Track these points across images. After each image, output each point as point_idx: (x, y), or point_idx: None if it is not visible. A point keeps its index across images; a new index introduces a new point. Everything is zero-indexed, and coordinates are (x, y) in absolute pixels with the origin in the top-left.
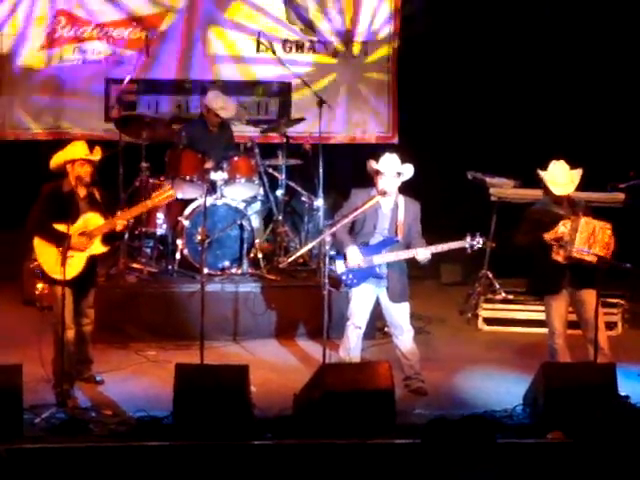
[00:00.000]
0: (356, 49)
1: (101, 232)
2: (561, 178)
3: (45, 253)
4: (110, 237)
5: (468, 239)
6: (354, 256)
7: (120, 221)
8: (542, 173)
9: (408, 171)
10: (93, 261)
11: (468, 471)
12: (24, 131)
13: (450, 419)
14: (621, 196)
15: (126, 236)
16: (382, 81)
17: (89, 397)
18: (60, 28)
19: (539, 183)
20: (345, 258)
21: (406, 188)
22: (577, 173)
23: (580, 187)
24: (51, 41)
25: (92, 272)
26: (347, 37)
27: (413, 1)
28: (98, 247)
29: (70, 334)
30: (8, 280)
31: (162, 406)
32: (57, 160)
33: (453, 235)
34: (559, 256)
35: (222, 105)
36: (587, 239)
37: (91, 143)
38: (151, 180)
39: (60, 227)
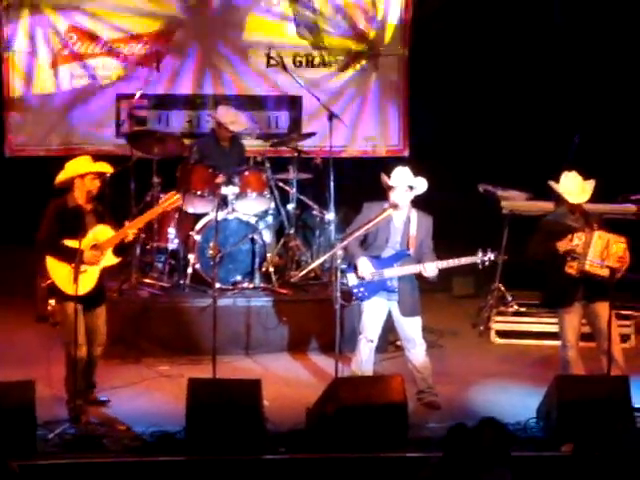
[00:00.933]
0: (366, 60)
1: (112, 244)
2: (575, 187)
3: (58, 271)
4: (121, 248)
5: (480, 254)
6: (365, 267)
7: (131, 230)
8: (555, 185)
9: (421, 185)
10: (104, 276)
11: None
12: (36, 147)
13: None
14: (633, 208)
15: (138, 251)
16: (392, 94)
17: (101, 413)
18: (72, 44)
19: (551, 195)
20: (356, 270)
21: (417, 201)
22: (590, 184)
23: (592, 199)
24: (62, 57)
25: (102, 288)
26: (356, 50)
27: (425, 8)
28: (110, 259)
29: (83, 351)
30: (21, 297)
31: (175, 421)
32: (64, 176)
33: (464, 248)
34: (572, 269)
35: (232, 119)
36: (601, 252)
37: (102, 159)
38: (162, 195)
39: (71, 243)
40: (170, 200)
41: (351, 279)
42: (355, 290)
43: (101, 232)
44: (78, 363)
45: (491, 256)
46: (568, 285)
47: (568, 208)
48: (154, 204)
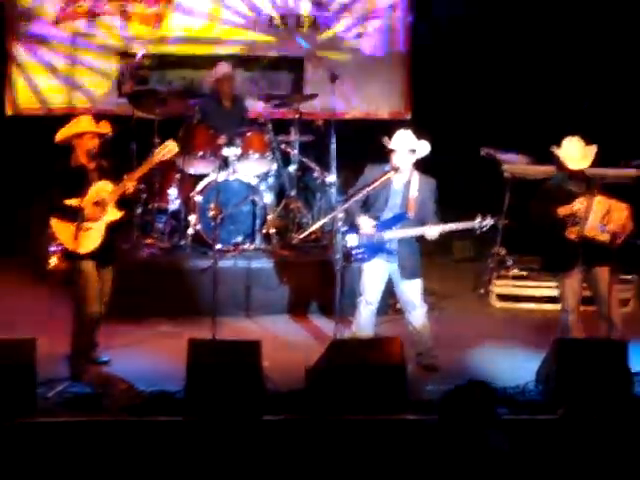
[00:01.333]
0: (365, 17)
1: (113, 198)
2: (577, 153)
3: (64, 231)
4: (123, 202)
5: (478, 220)
6: (366, 225)
7: (130, 182)
8: (556, 150)
9: (424, 148)
10: (112, 232)
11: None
12: (38, 107)
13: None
14: (634, 173)
15: (139, 211)
16: (396, 56)
17: (102, 372)
18: (74, 2)
19: (553, 160)
20: (357, 230)
21: (419, 164)
22: (591, 149)
23: (593, 164)
24: (65, 15)
25: (112, 246)
26: (361, 11)
27: None
28: (114, 213)
29: (94, 309)
30: (21, 257)
31: (174, 381)
32: (63, 135)
33: (466, 212)
34: (573, 234)
35: (224, 72)
36: (601, 218)
37: (103, 118)
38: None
39: (73, 202)
40: (165, 149)
41: (351, 240)
42: (354, 251)
43: (102, 188)
44: (90, 321)
45: (490, 222)
46: (569, 250)
47: (568, 173)
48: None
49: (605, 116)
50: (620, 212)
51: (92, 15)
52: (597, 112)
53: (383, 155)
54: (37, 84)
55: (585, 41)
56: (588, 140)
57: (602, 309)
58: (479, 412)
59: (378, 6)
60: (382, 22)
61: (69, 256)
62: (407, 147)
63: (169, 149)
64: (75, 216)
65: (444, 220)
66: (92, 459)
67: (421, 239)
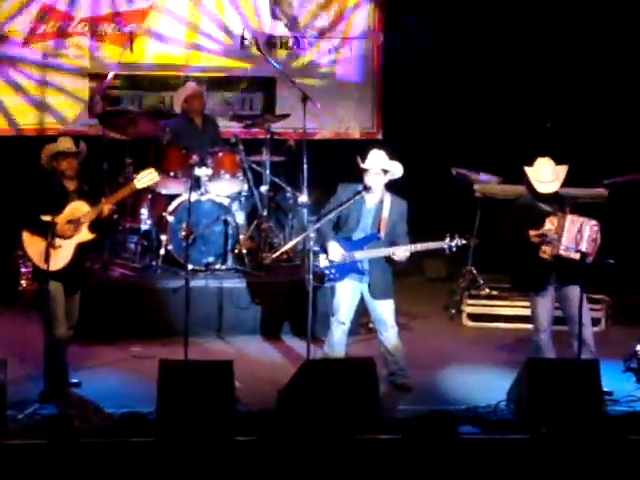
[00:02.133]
0: (340, 43)
1: (88, 219)
2: (546, 175)
3: (34, 246)
4: (98, 224)
5: (447, 240)
6: (334, 250)
7: (106, 206)
8: (527, 169)
9: (396, 169)
10: (82, 253)
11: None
12: (8, 128)
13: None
14: (604, 192)
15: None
16: (367, 76)
17: (73, 394)
18: (44, 23)
19: (523, 179)
20: (327, 252)
21: (390, 184)
22: (563, 169)
23: (564, 183)
24: (36, 35)
25: (81, 269)
26: (330, 32)
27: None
28: (85, 234)
29: (63, 330)
30: None
31: (146, 402)
32: (42, 155)
33: (437, 232)
34: (545, 254)
35: (193, 89)
36: (574, 237)
37: (75, 138)
38: (135, 175)
39: (46, 217)
40: (146, 177)
41: (322, 261)
42: (326, 271)
43: (78, 208)
44: (59, 342)
45: (459, 242)
46: (540, 269)
47: (537, 196)
48: (128, 184)
49: (574, 136)
50: (591, 228)
51: (63, 36)
52: (564, 133)
53: (355, 175)
54: (6, 105)
55: (554, 59)
56: (558, 160)
57: (573, 328)
58: (440, 440)
59: (354, 31)
60: (357, 47)
61: (38, 276)
62: (380, 167)
63: (151, 178)
64: (46, 231)
65: (414, 240)
66: None
67: (391, 259)
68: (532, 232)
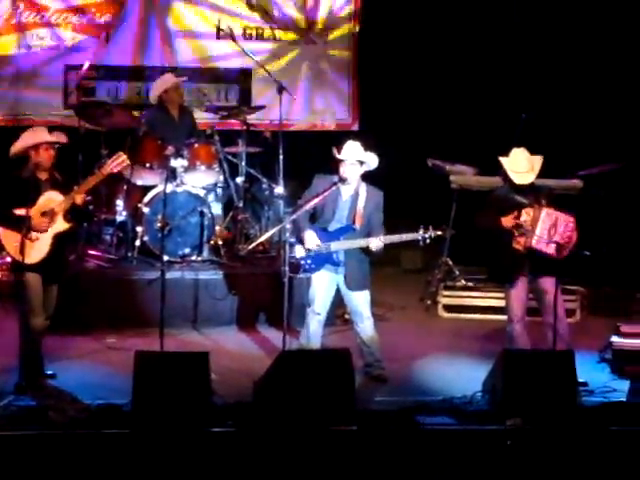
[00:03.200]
0: (316, 33)
1: (62, 209)
2: (522, 166)
3: (10, 240)
4: (73, 213)
5: (421, 232)
6: (311, 239)
7: (79, 194)
8: (503, 160)
9: (372, 160)
10: (60, 244)
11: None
12: None
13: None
14: (579, 184)
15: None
16: (343, 67)
17: (48, 385)
18: (19, 14)
19: (499, 171)
20: (303, 242)
21: (366, 175)
22: (538, 160)
23: (539, 174)
24: (9, 27)
25: (59, 261)
26: (307, 20)
27: None
28: (61, 224)
29: (39, 321)
30: None
31: (121, 394)
32: (18, 147)
33: (413, 223)
34: (519, 245)
35: (173, 81)
36: (548, 229)
37: (51, 129)
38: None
39: (20, 211)
40: (117, 161)
41: (298, 251)
42: (302, 262)
43: (51, 198)
44: (35, 333)
45: (432, 233)
46: (515, 260)
47: (513, 187)
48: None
49: (550, 127)
50: (567, 224)
51: (38, 26)
52: (539, 124)
53: (331, 166)
54: None
55: (531, 48)
56: (534, 151)
57: (548, 319)
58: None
59: (329, 21)
60: (333, 36)
61: (15, 268)
62: (355, 158)
63: (121, 161)
64: (21, 225)
65: (390, 231)
66: (38, 473)
67: (367, 250)
68: (504, 219)
